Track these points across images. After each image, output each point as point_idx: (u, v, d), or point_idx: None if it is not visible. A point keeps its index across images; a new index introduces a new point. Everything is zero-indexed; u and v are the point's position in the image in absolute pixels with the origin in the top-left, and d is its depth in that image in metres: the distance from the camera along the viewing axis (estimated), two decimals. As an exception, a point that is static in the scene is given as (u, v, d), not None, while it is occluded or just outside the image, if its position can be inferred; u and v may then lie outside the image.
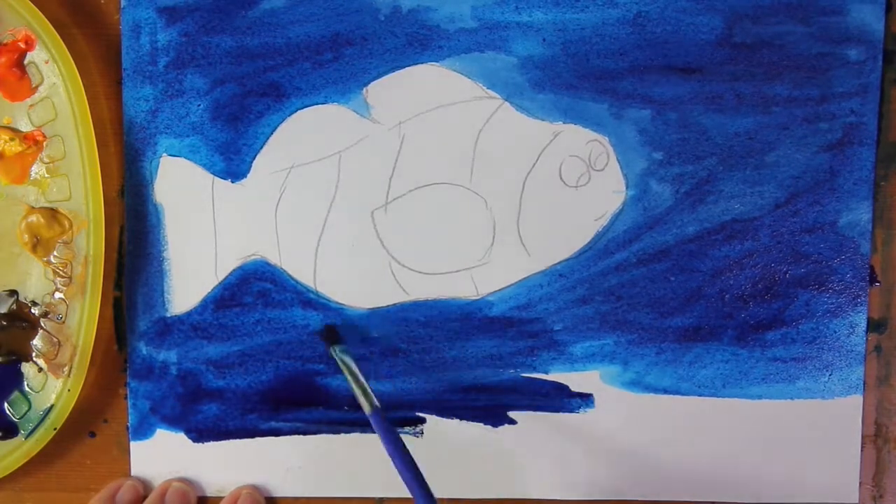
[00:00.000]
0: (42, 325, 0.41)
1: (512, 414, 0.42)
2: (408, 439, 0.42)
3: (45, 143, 0.41)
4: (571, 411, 0.41)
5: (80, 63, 0.40)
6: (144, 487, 0.42)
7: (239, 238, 0.41)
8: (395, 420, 0.42)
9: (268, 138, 0.41)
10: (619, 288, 0.41)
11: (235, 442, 0.42)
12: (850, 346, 0.41)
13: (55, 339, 0.41)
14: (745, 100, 0.40)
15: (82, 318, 0.40)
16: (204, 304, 0.42)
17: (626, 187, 0.41)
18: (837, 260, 0.41)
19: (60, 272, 0.41)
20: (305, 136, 0.41)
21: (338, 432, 0.42)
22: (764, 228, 0.41)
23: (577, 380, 0.41)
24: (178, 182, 0.41)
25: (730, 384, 0.41)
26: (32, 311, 0.41)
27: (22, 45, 0.40)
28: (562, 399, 0.41)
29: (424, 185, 0.41)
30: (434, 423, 0.42)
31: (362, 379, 0.38)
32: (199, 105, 0.41)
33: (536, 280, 0.41)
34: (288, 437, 0.42)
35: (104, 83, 0.41)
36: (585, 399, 0.41)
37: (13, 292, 0.41)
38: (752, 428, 0.41)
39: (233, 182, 0.41)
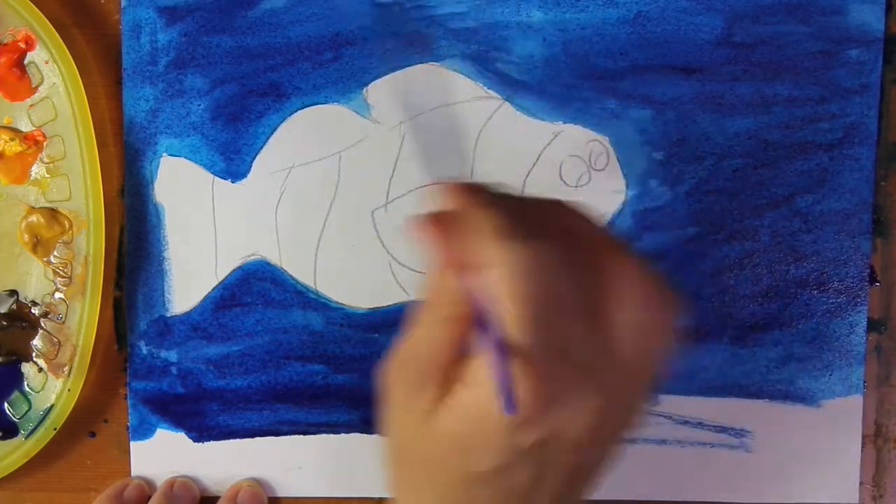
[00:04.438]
0: (42, 325, 0.41)
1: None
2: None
3: (45, 143, 0.41)
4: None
5: (80, 63, 0.40)
6: (149, 487, 0.42)
7: (239, 238, 0.41)
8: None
9: (268, 138, 0.41)
10: (620, 288, 0.41)
11: (235, 442, 0.42)
12: (850, 346, 0.41)
13: (55, 339, 0.41)
14: (744, 100, 0.40)
15: (82, 318, 0.40)
16: (204, 304, 0.42)
17: (627, 187, 0.41)
18: (837, 260, 0.41)
19: (60, 272, 0.41)
20: (305, 136, 0.41)
21: (338, 432, 0.42)
22: (764, 228, 0.41)
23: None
24: (178, 182, 0.41)
25: (730, 384, 0.41)
26: (32, 311, 0.41)
27: (22, 45, 0.40)
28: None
29: (424, 185, 0.41)
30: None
31: None
32: (200, 105, 0.41)
33: (536, 280, 0.41)
34: (288, 437, 0.42)
35: (104, 83, 0.41)
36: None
37: (13, 292, 0.41)
38: (752, 428, 0.41)
39: (233, 182, 0.41)
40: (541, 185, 0.41)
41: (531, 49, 0.40)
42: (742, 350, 0.41)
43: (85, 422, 0.42)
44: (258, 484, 0.42)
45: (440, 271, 0.26)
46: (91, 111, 0.40)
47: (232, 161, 0.41)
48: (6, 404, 0.41)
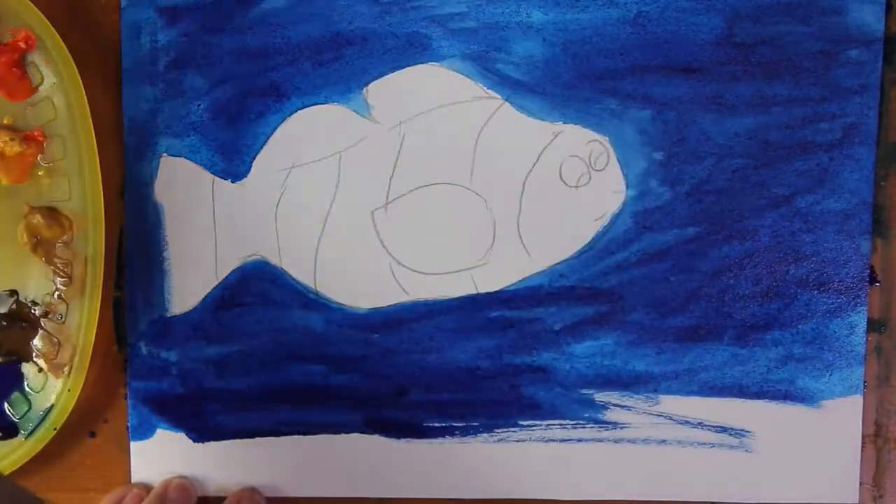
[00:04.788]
0: (42, 325, 0.41)
1: (513, 414, 0.42)
2: (403, 441, 0.42)
3: (45, 143, 0.41)
4: (572, 411, 0.41)
5: (80, 63, 0.40)
6: (148, 494, 0.42)
7: (239, 238, 0.41)
8: (395, 422, 0.42)
9: (268, 138, 0.41)
10: (619, 288, 0.41)
11: (235, 442, 0.42)
12: (850, 346, 0.41)
13: (55, 339, 0.41)
14: (744, 100, 0.40)
15: (82, 318, 0.40)
16: (204, 304, 0.42)
17: (627, 187, 0.41)
18: (837, 260, 0.41)
19: (60, 272, 0.41)
20: (305, 136, 0.41)
21: (338, 432, 0.42)
22: (764, 228, 0.41)
23: (577, 380, 0.41)
24: (178, 182, 0.41)
25: (730, 384, 0.41)
26: (32, 311, 0.41)
27: (22, 45, 0.40)
28: (562, 399, 0.41)
29: (424, 185, 0.41)
30: (434, 424, 0.42)
31: None
32: (199, 105, 0.41)
33: (536, 280, 0.41)
34: (288, 437, 0.42)
35: (104, 83, 0.41)
36: (586, 399, 0.41)
37: (13, 292, 0.41)
38: (752, 428, 0.41)
39: (233, 182, 0.41)
40: (541, 186, 0.41)
41: (531, 49, 0.40)
42: (742, 350, 0.41)
43: (85, 422, 0.42)
44: (257, 493, 0.42)
45: None
46: (91, 111, 0.40)
47: (232, 161, 0.41)
48: (6, 404, 0.41)
